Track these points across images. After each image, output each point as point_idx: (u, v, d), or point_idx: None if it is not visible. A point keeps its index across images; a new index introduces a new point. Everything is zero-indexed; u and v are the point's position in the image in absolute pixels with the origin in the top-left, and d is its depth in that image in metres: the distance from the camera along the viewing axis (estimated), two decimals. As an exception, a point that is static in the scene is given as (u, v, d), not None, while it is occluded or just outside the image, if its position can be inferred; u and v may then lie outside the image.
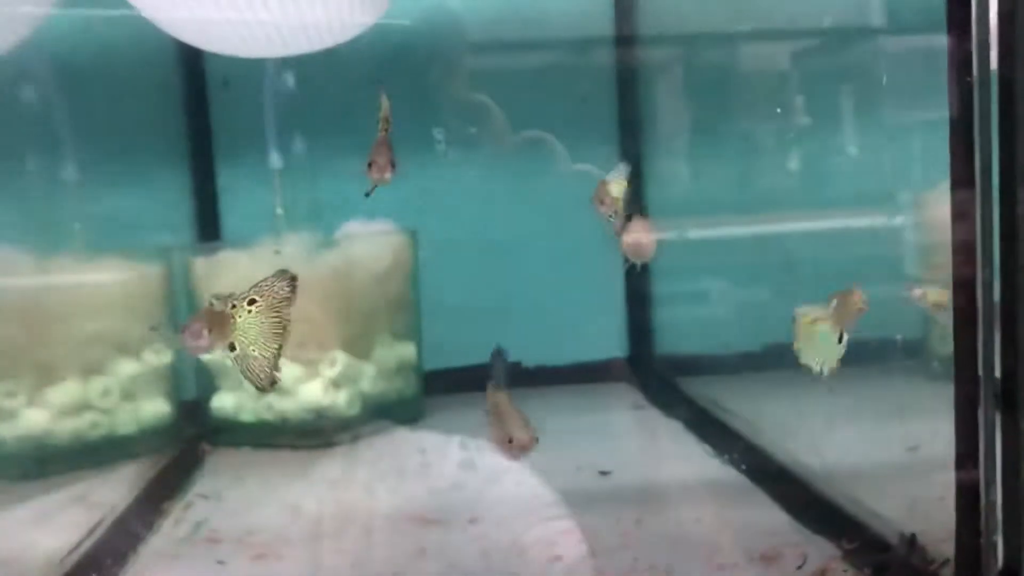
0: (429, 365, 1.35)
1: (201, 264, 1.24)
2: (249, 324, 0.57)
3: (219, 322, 0.56)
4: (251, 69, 1.32)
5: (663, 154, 1.48)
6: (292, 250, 1.22)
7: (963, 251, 0.65)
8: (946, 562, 0.65)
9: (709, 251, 1.38)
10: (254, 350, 0.57)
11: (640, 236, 0.93)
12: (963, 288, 0.65)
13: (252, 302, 0.57)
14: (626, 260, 0.94)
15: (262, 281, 0.59)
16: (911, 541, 0.69)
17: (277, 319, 0.58)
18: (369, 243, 1.28)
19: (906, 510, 0.79)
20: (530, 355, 1.47)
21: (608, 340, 1.49)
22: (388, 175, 0.71)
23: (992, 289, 0.64)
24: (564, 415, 1.30)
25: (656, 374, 1.42)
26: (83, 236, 1.26)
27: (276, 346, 0.58)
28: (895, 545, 0.72)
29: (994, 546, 0.64)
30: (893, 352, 1.23)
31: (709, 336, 1.43)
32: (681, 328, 1.49)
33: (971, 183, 0.63)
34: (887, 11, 1.24)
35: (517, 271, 1.44)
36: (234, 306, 0.57)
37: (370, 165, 0.71)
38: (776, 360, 1.37)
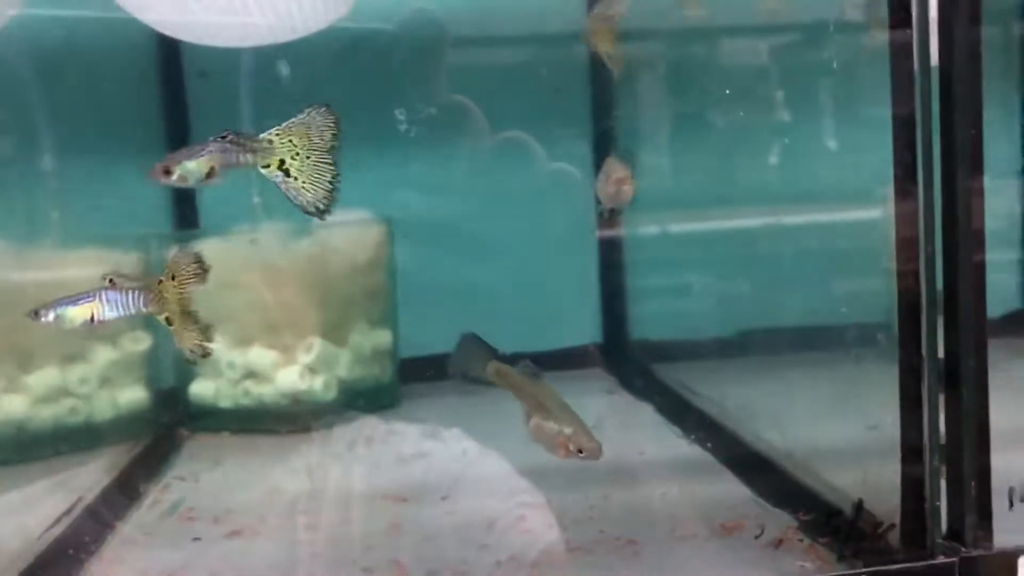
0: (406, 352, 1.38)
1: (179, 253, 1.25)
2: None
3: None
4: (228, 59, 1.34)
5: (637, 147, 1.51)
6: (268, 238, 1.23)
7: (906, 239, 0.67)
8: (892, 526, 0.68)
9: (684, 241, 1.41)
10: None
11: (621, 178, 0.96)
12: (906, 275, 0.68)
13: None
14: (598, 203, 0.97)
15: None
16: (858, 506, 0.72)
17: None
18: (345, 232, 1.30)
19: (862, 483, 0.82)
20: (507, 342, 1.49)
21: (583, 327, 1.51)
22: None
23: (935, 276, 0.67)
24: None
25: (629, 360, 1.45)
26: (61, 225, 1.28)
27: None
28: (846, 512, 0.74)
29: (937, 511, 0.67)
30: (864, 339, 1.26)
31: (682, 323, 1.47)
32: (654, 315, 1.52)
33: (913, 175, 0.66)
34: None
35: (494, 260, 1.46)
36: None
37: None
38: (748, 346, 1.41)
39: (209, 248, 1.23)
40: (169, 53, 1.37)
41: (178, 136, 1.38)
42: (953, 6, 0.64)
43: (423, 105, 1.30)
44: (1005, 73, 1.51)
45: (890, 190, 1.03)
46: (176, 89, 1.39)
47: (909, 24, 0.66)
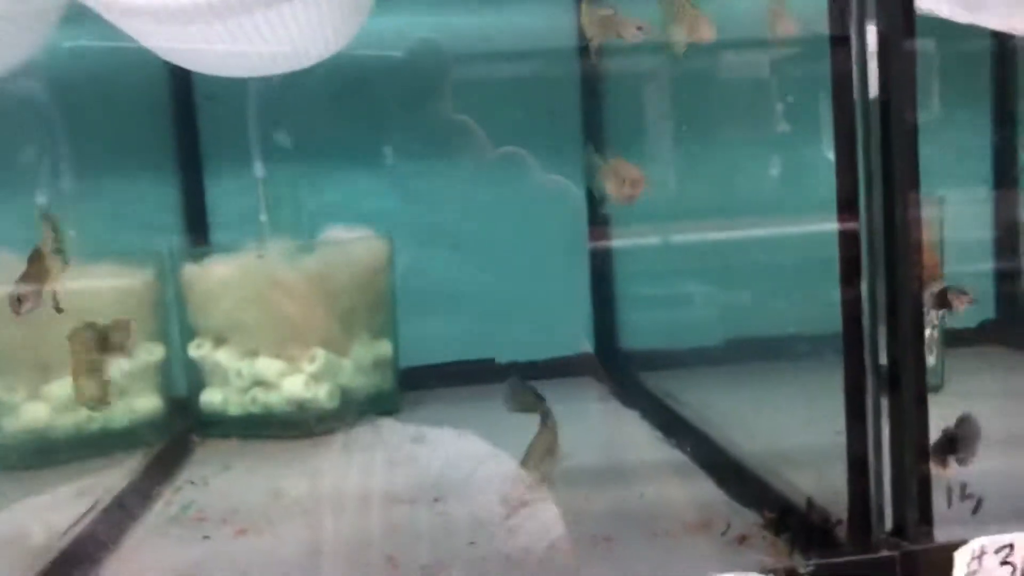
0: (406, 362, 1.44)
1: (190, 268, 1.32)
2: None
3: None
4: (236, 83, 1.41)
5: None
6: (275, 254, 1.30)
7: (848, 253, 0.73)
8: (840, 522, 0.74)
9: (674, 253, 1.47)
10: None
11: (635, 179, 1.02)
12: (849, 286, 0.74)
13: None
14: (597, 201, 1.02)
15: None
16: (809, 503, 0.78)
17: None
18: (348, 248, 1.37)
19: (824, 484, 0.88)
20: (503, 352, 1.56)
21: (575, 337, 1.58)
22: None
23: (876, 287, 0.73)
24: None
25: (619, 368, 1.51)
26: (79, 242, 1.34)
27: None
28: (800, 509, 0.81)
29: (880, 509, 0.73)
30: (836, 349, 1.32)
31: (671, 332, 1.52)
32: (644, 325, 1.58)
33: (855, 192, 0.72)
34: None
35: (490, 274, 1.53)
36: None
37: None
38: (730, 356, 1.47)
39: (218, 263, 1.32)
40: (180, 77, 1.44)
41: (189, 156, 1.46)
42: (889, 41, 0.70)
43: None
44: (976, 92, 1.57)
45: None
46: (187, 111, 1.46)
47: (849, 57, 0.72)
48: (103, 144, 1.41)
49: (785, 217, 1.36)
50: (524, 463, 0.92)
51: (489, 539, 0.88)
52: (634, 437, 1.19)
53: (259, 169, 1.41)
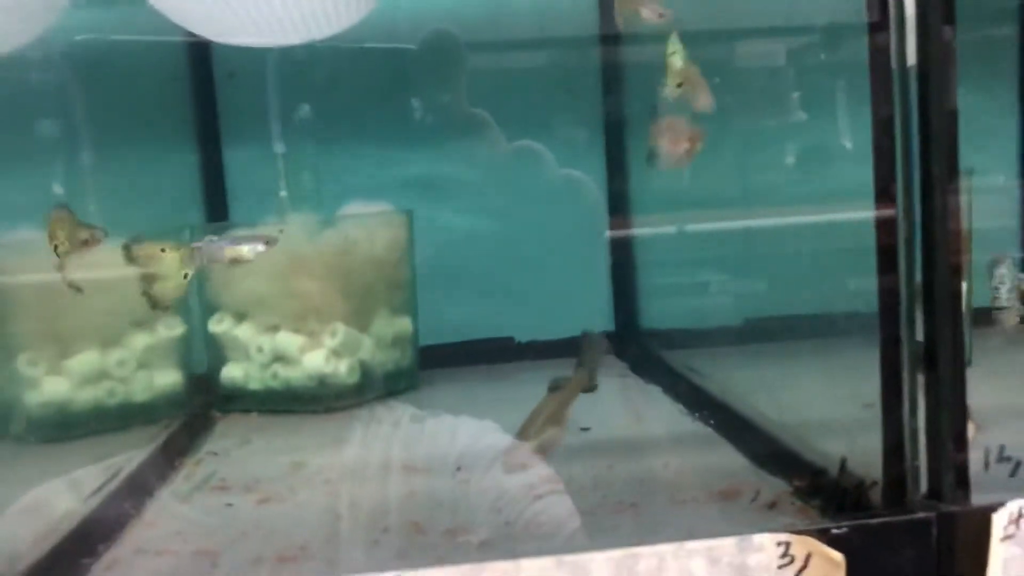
0: (426, 340, 1.44)
1: (210, 243, 1.32)
2: None
3: None
4: (255, 60, 1.41)
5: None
6: (295, 229, 1.30)
7: (886, 230, 0.72)
8: (875, 483, 0.73)
9: (694, 238, 1.46)
10: None
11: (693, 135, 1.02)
12: (887, 264, 0.72)
13: None
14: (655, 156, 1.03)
15: None
16: (842, 464, 0.77)
17: None
18: (368, 223, 1.36)
19: (856, 454, 0.87)
20: (523, 331, 1.55)
21: (596, 316, 1.57)
22: None
23: (914, 264, 0.72)
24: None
25: (640, 347, 1.50)
26: (98, 217, 1.34)
27: None
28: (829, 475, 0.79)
29: (916, 471, 0.72)
30: (860, 327, 1.31)
31: (690, 313, 1.52)
32: (663, 306, 1.57)
33: (893, 168, 0.71)
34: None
35: (511, 255, 1.52)
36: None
37: None
38: (754, 334, 1.46)
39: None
40: (200, 54, 1.44)
41: (208, 134, 1.45)
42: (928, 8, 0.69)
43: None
44: (1004, 74, 1.55)
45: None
46: (207, 88, 1.46)
47: (887, 26, 0.70)
48: (121, 120, 1.40)
49: (799, 203, 1.36)
50: (522, 430, 0.93)
51: (512, 506, 0.87)
52: (657, 411, 1.18)
53: (279, 145, 1.40)
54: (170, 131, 1.45)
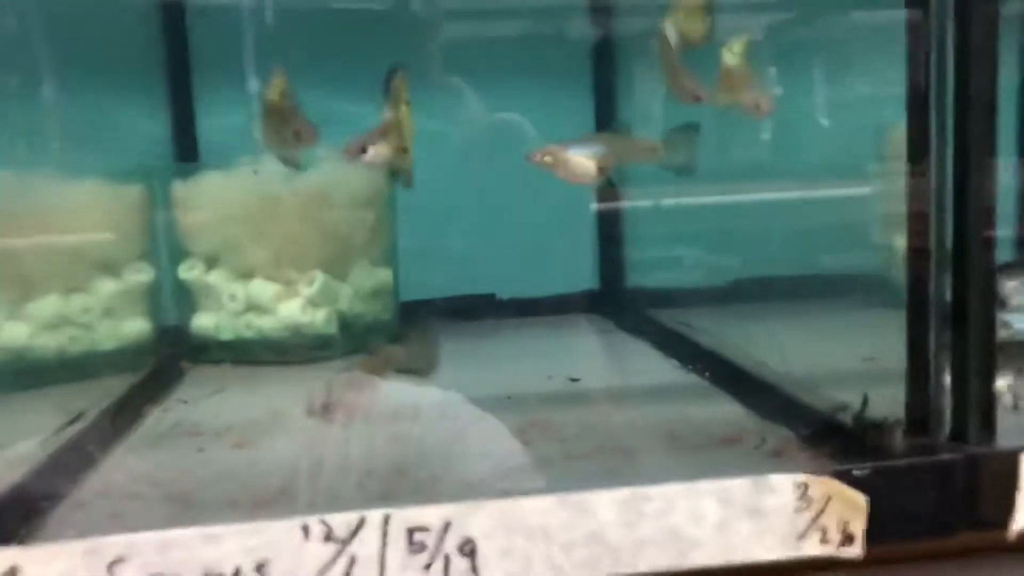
0: (409, 295, 1.38)
1: (180, 185, 1.25)
2: None
3: None
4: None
5: (637, 121, 1.53)
6: (270, 170, 1.23)
7: (918, 195, 0.68)
8: (898, 421, 0.69)
9: (684, 211, 1.42)
10: None
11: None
12: (918, 228, 0.69)
13: None
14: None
15: None
16: (864, 400, 0.72)
17: None
18: (347, 167, 1.29)
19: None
20: (504, 287, 1.50)
21: (580, 274, 1.52)
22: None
23: (944, 229, 0.68)
24: (534, 338, 1.33)
25: (625, 305, 1.45)
26: (63, 156, 1.27)
27: None
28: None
29: (940, 413, 0.68)
30: (859, 287, 1.29)
31: (678, 271, 1.48)
32: (651, 264, 1.53)
33: (926, 133, 0.67)
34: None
35: (496, 211, 1.47)
36: None
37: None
38: (740, 294, 1.43)
39: (210, 180, 1.25)
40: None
41: (178, 73, 1.38)
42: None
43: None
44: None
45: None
46: (177, 27, 1.39)
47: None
48: (89, 57, 1.33)
49: (795, 175, 1.34)
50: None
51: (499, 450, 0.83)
52: (647, 364, 1.14)
53: (253, 83, 1.34)
54: (139, 69, 1.38)
